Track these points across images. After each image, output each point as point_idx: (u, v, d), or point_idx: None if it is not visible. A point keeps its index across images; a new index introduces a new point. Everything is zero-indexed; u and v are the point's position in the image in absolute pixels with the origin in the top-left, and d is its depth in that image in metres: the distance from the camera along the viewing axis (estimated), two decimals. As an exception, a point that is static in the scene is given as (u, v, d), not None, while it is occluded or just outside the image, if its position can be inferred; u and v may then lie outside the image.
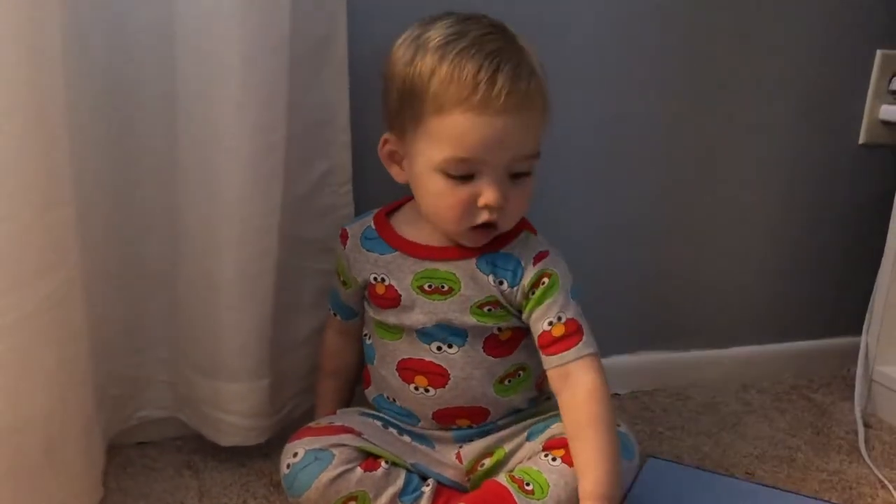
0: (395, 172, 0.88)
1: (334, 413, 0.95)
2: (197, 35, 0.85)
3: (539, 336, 0.85)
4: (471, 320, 0.87)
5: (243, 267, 0.91)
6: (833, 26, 1.19)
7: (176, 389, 1.00)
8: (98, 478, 0.87)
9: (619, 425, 0.85)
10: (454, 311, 0.87)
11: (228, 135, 0.87)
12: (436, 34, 0.81)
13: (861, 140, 1.25)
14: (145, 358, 0.99)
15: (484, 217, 0.83)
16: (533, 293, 0.85)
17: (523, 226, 0.90)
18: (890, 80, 1.23)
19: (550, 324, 0.84)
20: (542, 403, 0.94)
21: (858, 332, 1.20)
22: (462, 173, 0.82)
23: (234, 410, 0.95)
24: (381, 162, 0.88)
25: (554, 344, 0.84)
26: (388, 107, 0.86)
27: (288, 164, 0.92)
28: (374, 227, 0.91)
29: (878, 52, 1.22)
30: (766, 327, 1.30)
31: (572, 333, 0.84)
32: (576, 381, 0.83)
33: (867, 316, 1.20)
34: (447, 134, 0.80)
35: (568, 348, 0.83)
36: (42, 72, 0.72)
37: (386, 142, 0.87)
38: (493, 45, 0.80)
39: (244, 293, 0.92)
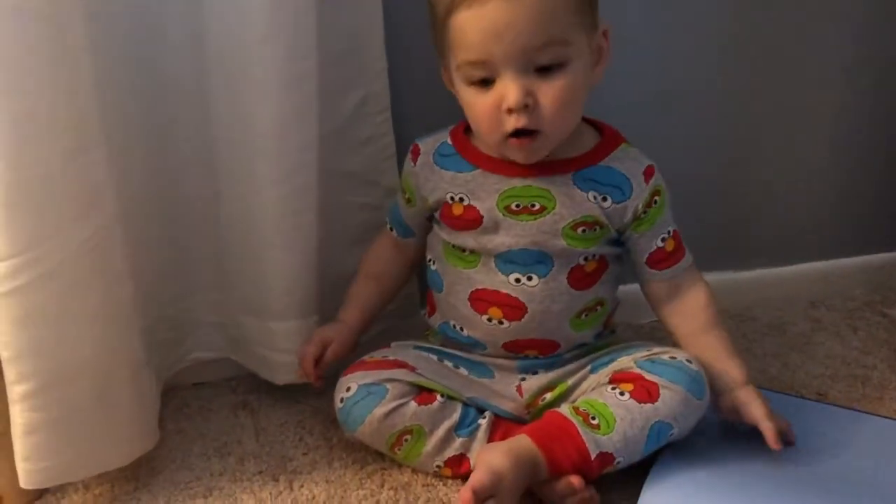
0: (458, 97, 0.83)
1: (361, 316, 0.93)
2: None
3: (651, 253, 0.86)
4: (561, 243, 0.82)
5: (284, 204, 0.89)
6: None
7: (226, 330, 0.99)
8: (153, 422, 0.87)
9: (690, 361, 0.81)
10: (544, 232, 0.82)
11: (257, 66, 0.83)
12: None
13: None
14: (193, 300, 0.98)
15: (511, 123, 0.77)
16: (646, 213, 0.84)
17: (617, 136, 0.86)
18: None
19: (663, 240, 0.86)
20: (606, 338, 0.91)
21: (938, 241, 1.14)
22: (480, 77, 0.77)
23: (285, 349, 0.94)
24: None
25: (667, 259, 0.86)
26: (430, 23, 0.82)
27: (321, 95, 0.88)
28: (450, 142, 0.87)
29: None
30: (834, 240, 1.23)
31: (679, 245, 0.87)
32: (689, 289, 0.87)
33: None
34: (454, 40, 0.77)
35: (678, 261, 0.87)
36: (63, 11, 0.69)
37: (445, 69, 0.84)
38: None
39: (287, 231, 0.90)
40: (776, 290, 1.21)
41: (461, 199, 0.84)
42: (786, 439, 0.81)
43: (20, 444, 0.76)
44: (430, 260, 0.91)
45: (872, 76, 1.17)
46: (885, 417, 0.92)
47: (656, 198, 0.84)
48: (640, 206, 0.83)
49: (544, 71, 0.76)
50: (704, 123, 1.13)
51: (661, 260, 0.86)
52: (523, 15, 0.73)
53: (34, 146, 0.70)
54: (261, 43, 0.82)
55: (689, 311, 0.87)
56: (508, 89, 0.75)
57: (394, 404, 0.82)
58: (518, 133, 0.78)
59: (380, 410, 0.81)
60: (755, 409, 0.81)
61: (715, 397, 0.83)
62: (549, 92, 0.76)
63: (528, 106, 0.76)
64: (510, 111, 0.76)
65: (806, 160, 1.19)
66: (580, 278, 0.84)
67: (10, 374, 0.74)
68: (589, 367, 0.86)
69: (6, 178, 0.69)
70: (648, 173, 0.84)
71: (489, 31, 0.74)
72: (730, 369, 0.84)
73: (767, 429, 0.80)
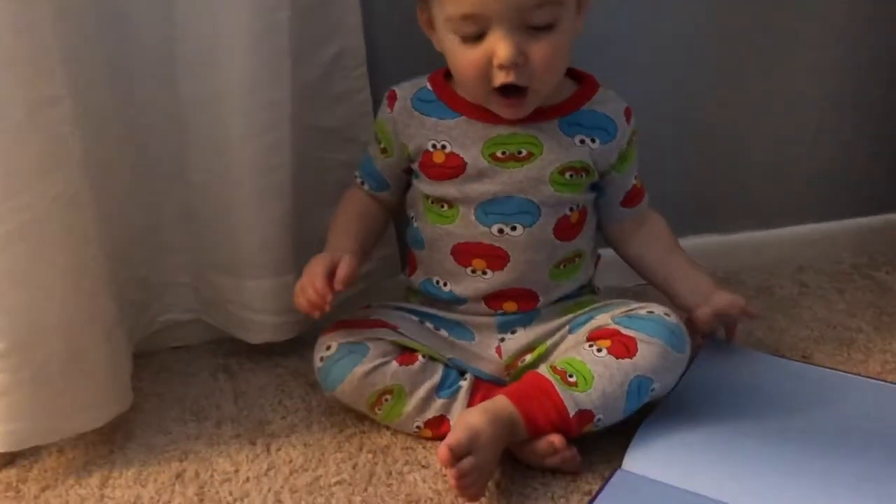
0: (436, 42, 0.82)
1: (358, 246, 0.87)
2: None
3: (629, 191, 0.90)
4: (548, 190, 0.82)
5: (256, 161, 0.87)
6: None
7: (200, 292, 0.99)
8: (126, 384, 0.85)
9: (668, 315, 0.81)
10: (531, 178, 0.82)
11: (227, 17, 0.81)
12: None
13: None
14: (166, 262, 0.97)
15: (501, 78, 0.77)
16: (628, 152, 0.87)
17: (594, 80, 0.87)
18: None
19: (635, 177, 0.91)
20: (586, 295, 0.90)
21: (925, 204, 1.13)
22: (471, 31, 0.76)
23: (261, 308, 0.94)
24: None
25: (638, 194, 0.91)
26: None
27: (294, 48, 0.86)
28: (430, 88, 0.86)
29: None
30: (821, 204, 1.23)
31: (642, 183, 0.92)
32: (650, 218, 0.93)
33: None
34: None
35: (644, 195, 0.92)
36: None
37: (421, 11, 0.82)
38: None
39: (260, 189, 0.89)
40: (764, 254, 1.21)
41: (443, 147, 0.83)
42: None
43: (-8, 407, 0.75)
44: (411, 217, 0.90)
45: (866, 42, 1.15)
46: (870, 378, 0.92)
47: (633, 137, 0.88)
48: (625, 144, 0.86)
49: (535, 28, 0.76)
50: (694, 87, 1.12)
51: (634, 196, 0.91)
52: None
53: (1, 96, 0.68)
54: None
55: (655, 236, 0.92)
56: (500, 46, 0.75)
57: (375, 363, 0.81)
58: (506, 90, 0.78)
59: (361, 369, 0.81)
60: (738, 304, 0.90)
61: (692, 310, 0.90)
62: (539, 50, 0.76)
63: (518, 63, 0.75)
64: (501, 67, 0.76)
65: (797, 126, 1.18)
66: (565, 228, 0.85)
67: (-22, 336, 0.73)
68: (568, 328, 0.85)
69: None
70: (628, 114, 0.87)
71: None
72: (702, 281, 0.91)
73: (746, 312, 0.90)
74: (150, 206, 0.93)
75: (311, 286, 0.81)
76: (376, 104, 0.93)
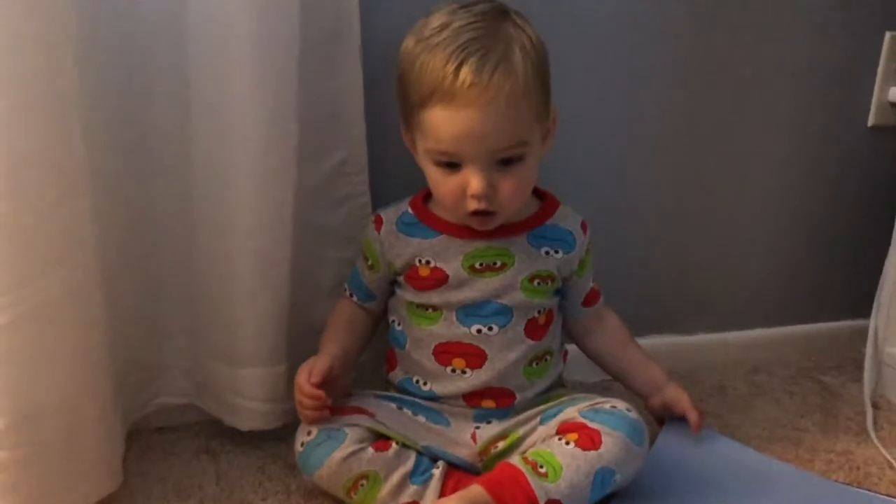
0: (417, 159, 0.91)
1: (340, 350, 0.92)
2: (207, 25, 0.86)
3: (588, 293, 1.00)
4: (520, 295, 0.91)
5: (259, 256, 0.93)
6: (841, 9, 1.19)
7: (193, 377, 1.02)
8: (118, 464, 0.88)
9: (629, 410, 0.87)
10: (505, 286, 0.91)
11: (240, 126, 0.88)
12: (426, 24, 0.85)
13: (870, 122, 1.25)
14: (163, 346, 1.01)
15: (473, 205, 0.86)
16: (585, 259, 0.97)
17: (554, 198, 0.97)
18: (899, 62, 1.23)
19: (593, 281, 1.01)
20: (556, 390, 0.97)
21: (868, 314, 1.21)
22: (447, 163, 0.85)
23: (252, 395, 0.97)
24: (402, 149, 0.93)
25: (595, 295, 1.01)
26: (398, 93, 0.89)
27: (303, 155, 0.93)
28: (411, 212, 0.94)
29: (887, 35, 1.21)
30: (775, 310, 1.31)
31: (598, 286, 1.02)
32: (607, 315, 1.03)
33: (876, 298, 1.20)
34: (427, 126, 0.84)
35: (600, 295, 1.02)
36: (60, 72, 0.74)
37: (405, 132, 0.91)
38: (469, 35, 0.82)
39: (261, 282, 0.93)
40: (719, 355, 1.27)
41: (427, 262, 0.92)
42: (702, 426, 0.99)
43: (-14, 482, 0.77)
44: (393, 321, 0.97)
45: (817, 161, 1.25)
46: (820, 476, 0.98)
47: (590, 246, 0.98)
48: (584, 252, 0.96)
49: (506, 163, 0.85)
50: (652, 196, 1.20)
51: (591, 297, 1.01)
52: (494, 123, 0.82)
53: (23, 190, 0.73)
54: (245, 103, 0.88)
55: (611, 331, 1.03)
56: (473, 180, 0.84)
57: (352, 448, 0.85)
58: (481, 213, 0.87)
59: (339, 454, 0.85)
60: (684, 402, 0.99)
61: (646, 399, 1.01)
62: (507, 183, 0.86)
63: (488, 196, 0.85)
64: (474, 197, 0.85)
65: (753, 238, 1.27)
66: (535, 329, 0.93)
67: (-19, 412, 0.76)
68: (539, 419, 0.91)
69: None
70: (584, 226, 0.97)
71: (462, 134, 0.82)
72: (655, 373, 1.01)
73: (693, 416, 0.98)
74: (152, 292, 0.97)
75: (300, 394, 0.87)
76: (375, 207, 1.01)
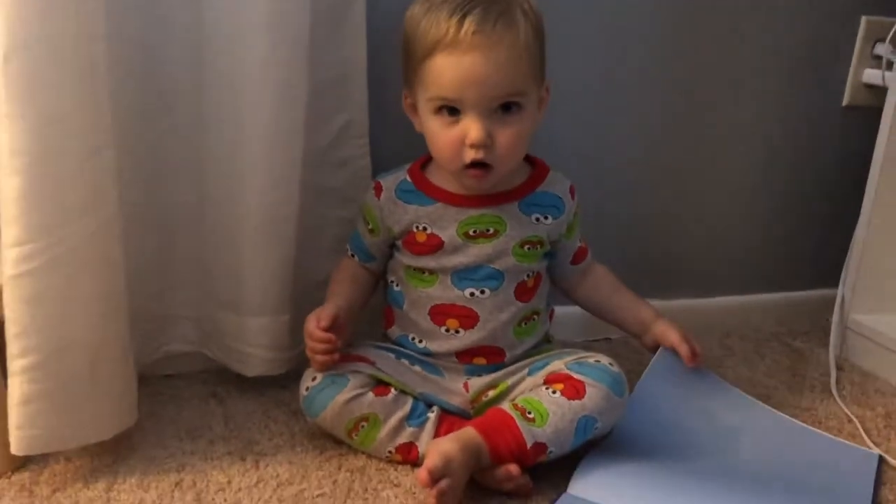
0: (416, 124, 0.95)
1: (344, 301, 0.98)
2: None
3: (576, 251, 1.05)
4: (511, 260, 0.96)
5: (267, 211, 0.98)
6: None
7: (201, 326, 1.07)
8: (133, 402, 0.94)
9: (612, 364, 0.93)
10: (497, 251, 0.96)
11: (253, 90, 0.93)
12: None
13: (845, 102, 1.31)
14: (173, 296, 1.06)
15: (471, 155, 0.90)
16: (573, 222, 1.02)
17: (544, 165, 1.01)
18: (873, 46, 1.29)
19: (580, 239, 1.05)
20: (544, 345, 1.03)
21: (837, 283, 1.27)
22: (449, 109, 0.89)
23: (258, 343, 1.03)
24: (402, 116, 0.96)
25: (583, 252, 1.06)
26: (402, 59, 0.93)
27: (309, 118, 0.98)
28: (409, 180, 0.99)
29: (863, 19, 1.27)
30: (749, 278, 1.36)
31: (586, 243, 1.07)
32: (594, 267, 1.08)
33: (844, 268, 1.26)
34: (430, 76, 0.88)
35: (587, 253, 1.07)
36: (92, 38, 0.80)
37: (405, 95, 0.95)
38: None
39: (268, 237, 0.99)
40: (695, 320, 1.28)
41: (424, 229, 0.97)
42: (697, 360, 1.02)
43: (15, 413, 0.83)
44: (391, 281, 1.02)
45: (794, 136, 1.31)
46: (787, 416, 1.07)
47: (577, 209, 1.02)
48: (572, 217, 1.01)
49: (503, 113, 0.90)
50: (628, 167, 1.25)
51: (579, 255, 1.06)
52: (495, 69, 0.86)
53: (57, 145, 0.79)
54: (259, 69, 0.93)
55: (600, 280, 1.08)
56: (472, 128, 0.88)
57: (354, 392, 0.91)
58: (475, 164, 0.91)
59: (342, 397, 0.91)
60: (672, 335, 1.03)
61: (640, 338, 1.06)
62: (504, 134, 0.90)
63: (486, 144, 0.89)
64: (472, 146, 0.89)
65: (730, 209, 1.32)
66: (524, 291, 0.98)
67: (13, 349, 0.82)
68: (527, 370, 0.97)
69: (31, 172, 0.78)
70: (572, 191, 1.02)
71: (465, 78, 0.87)
72: (645, 312, 1.06)
73: (683, 349, 1.01)
74: (166, 246, 1.03)
75: (311, 340, 0.92)
76: (374, 170, 1.07)
